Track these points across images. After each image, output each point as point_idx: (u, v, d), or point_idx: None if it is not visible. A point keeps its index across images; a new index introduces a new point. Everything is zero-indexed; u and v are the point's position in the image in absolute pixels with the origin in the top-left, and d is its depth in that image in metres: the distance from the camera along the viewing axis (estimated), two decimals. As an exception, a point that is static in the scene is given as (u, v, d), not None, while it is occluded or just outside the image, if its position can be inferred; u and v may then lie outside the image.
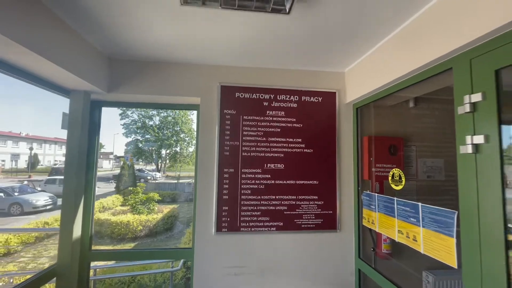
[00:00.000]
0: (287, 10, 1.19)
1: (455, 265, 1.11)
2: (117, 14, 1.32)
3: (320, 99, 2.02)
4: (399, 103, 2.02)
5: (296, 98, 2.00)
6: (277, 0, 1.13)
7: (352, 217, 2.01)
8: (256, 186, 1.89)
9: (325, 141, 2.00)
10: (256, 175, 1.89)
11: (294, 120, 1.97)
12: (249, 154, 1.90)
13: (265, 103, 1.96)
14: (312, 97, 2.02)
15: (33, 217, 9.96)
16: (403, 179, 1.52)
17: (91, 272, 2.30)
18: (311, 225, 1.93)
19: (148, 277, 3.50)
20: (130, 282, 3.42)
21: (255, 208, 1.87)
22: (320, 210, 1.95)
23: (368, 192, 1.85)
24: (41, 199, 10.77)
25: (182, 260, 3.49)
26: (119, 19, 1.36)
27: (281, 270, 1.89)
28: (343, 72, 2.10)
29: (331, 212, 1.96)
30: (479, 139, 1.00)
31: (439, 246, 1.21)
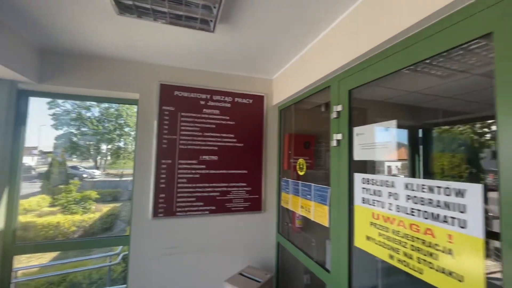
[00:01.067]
0: (212, 29, 1.47)
1: (327, 225, 1.58)
2: (49, 9, 1.39)
3: (251, 101, 2.38)
4: (314, 107, 2.52)
5: (230, 99, 2.30)
6: (202, 21, 1.40)
7: (274, 199, 2.43)
8: (192, 175, 2.13)
9: (254, 136, 2.37)
10: (192, 166, 2.14)
11: (228, 118, 2.28)
12: (186, 147, 2.13)
13: (202, 102, 2.21)
14: (244, 99, 2.35)
15: None
16: (305, 167, 1.98)
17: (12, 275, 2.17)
18: (240, 208, 2.28)
19: (82, 275, 3.36)
20: (60, 281, 3.22)
21: (191, 194, 2.12)
22: (248, 195, 2.31)
23: (285, 178, 2.29)
24: None
25: (121, 254, 3.48)
26: (52, 13, 1.43)
27: (213, 247, 2.19)
28: (271, 79, 2.50)
29: (257, 196, 2.34)
30: (339, 136, 1.47)
31: (321, 213, 1.67)
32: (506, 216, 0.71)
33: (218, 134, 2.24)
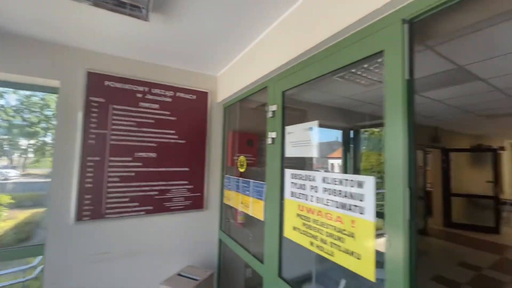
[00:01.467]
0: (146, 18, 1.38)
1: (262, 218, 1.66)
2: None
3: (194, 97, 2.32)
4: (258, 106, 2.60)
5: (171, 93, 2.20)
6: (133, 7, 1.30)
7: (218, 197, 2.43)
8: (126, 174, 1.97)
9: (197, 133, 2.32)
10: (125, 163, 1.97)
11: (169, 113, 2.18)
12: (119, 143, 1.95)
13: (139, 95, 2.06)
14: (187, 94, 2.28)
15: None
16: (245, 164, 2.04)
17: None
18: (181, 207, 2.21)
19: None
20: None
21: (124, 194, 1.95)
22: (190, 193, 2.25)
23: (228, 175, 2.31)
24: None
25: (39, 267, 2.99)
26: None
27: (150, 249, 2.07)
28: (216, 75, 2.48)
29: (199, 194, 2.30)
30: (274, 134, 1.56)
31: (258, 208, 1.75)
32: (388, 199, 0.87)
33: (157, 130, 2.11)
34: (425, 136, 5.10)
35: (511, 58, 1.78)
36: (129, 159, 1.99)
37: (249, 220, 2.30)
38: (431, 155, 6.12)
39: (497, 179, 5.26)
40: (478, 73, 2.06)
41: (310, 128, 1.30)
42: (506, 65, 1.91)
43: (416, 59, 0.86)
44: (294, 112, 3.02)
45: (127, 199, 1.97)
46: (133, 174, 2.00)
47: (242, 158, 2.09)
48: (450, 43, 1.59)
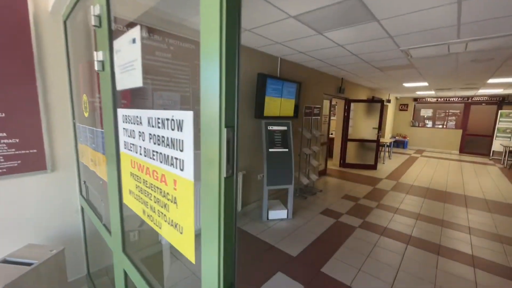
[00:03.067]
0: None
1: (106, 179, 1.21)
2: None
3: (-7, -6, 1.39)
4: (126, 26, 1.86)
5: None
6: None
7: (73, 153, 1.80)
8: None
9: (12, 59, 1.48)
10: None
11: None
12: None
13: None
14: (-25, -13, 1.33)
15: None
16: (88, 106, 1.44)
17: None
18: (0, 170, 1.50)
19: None
20: None
21: None
22: (14, 150, 1.53)
23: (78, 124, 1.67)
24: None
25: None
26: None
27: None
28: (42, -35, 1.55)
29: (35, 151, 1.61)
30: (101, 56, 1.00)
31: (103, 165, 1.27)
32: (203, 146, 0.54)
33: None
34: (333, 86, 5.39)
35: (404, -7, 1.65)
36: None
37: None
38: (337, 105, 6.72)
39: (380, 126, 6.30)
40: (374, 10, 1.91)
41: (133, 40, 0.81)
42: (400, 4, 1.80)
43: None
44: (192, 45, 2.41)
45: None
46: None
47: (84, 98, 1.46)
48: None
